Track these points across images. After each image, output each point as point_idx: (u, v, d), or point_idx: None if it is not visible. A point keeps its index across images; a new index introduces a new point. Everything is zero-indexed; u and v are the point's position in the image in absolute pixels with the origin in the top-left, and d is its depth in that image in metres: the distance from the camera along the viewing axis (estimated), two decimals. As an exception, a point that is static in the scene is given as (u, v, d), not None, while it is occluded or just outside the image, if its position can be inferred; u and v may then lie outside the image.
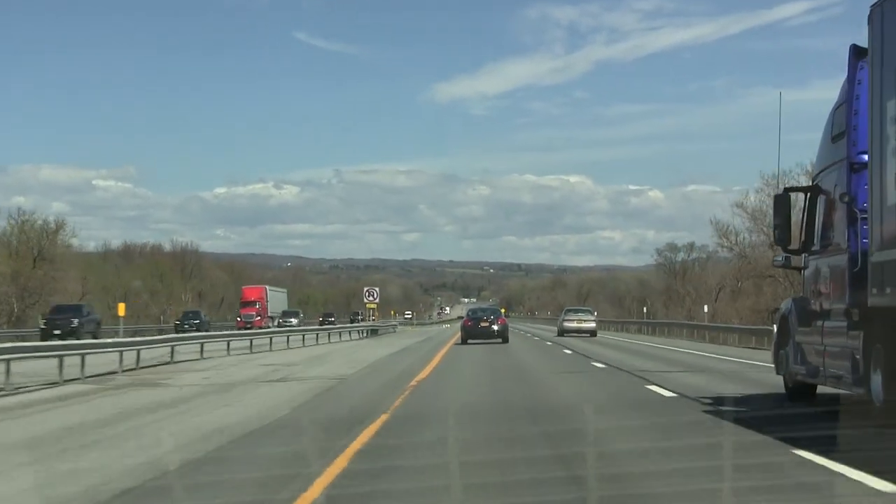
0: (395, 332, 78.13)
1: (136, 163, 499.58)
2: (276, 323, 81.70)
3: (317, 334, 50.97)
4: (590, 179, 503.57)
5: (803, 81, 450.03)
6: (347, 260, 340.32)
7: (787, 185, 24.21)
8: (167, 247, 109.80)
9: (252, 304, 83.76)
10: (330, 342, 50.39)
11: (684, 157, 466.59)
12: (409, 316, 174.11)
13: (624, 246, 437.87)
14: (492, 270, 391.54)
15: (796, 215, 16.42)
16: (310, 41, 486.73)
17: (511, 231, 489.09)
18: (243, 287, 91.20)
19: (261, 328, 68.39)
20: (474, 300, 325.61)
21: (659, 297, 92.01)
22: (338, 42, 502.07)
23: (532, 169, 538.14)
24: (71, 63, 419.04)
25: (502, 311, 66.83)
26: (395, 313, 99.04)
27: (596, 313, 63.82)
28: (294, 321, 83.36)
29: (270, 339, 42.34)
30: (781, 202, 15.40)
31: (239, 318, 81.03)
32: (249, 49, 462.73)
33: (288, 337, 46.08)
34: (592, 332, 54.74)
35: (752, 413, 14.13)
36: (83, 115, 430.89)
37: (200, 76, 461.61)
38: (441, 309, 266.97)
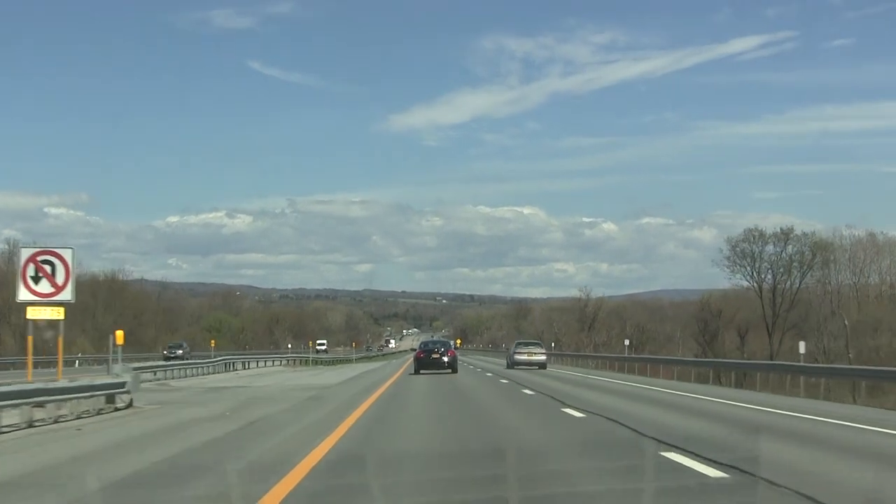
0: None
1: (89, 190, 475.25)
2: None
3: None
4: (543, 211, 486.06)
5: (755, 115, 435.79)
6: (299, 290, 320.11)
7: None
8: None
9: None
10: None
11: (637, 190, 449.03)
12: (323, 347, 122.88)
13: (577, 278, 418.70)
14: (444, 301, 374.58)
15: None
16: (263, 70, 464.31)
17: (464, 262, 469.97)
18: None
19: None
20: (415, 330, 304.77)
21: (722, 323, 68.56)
22: (291, 72, 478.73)
23: (486, 200, 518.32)
24: (24, 87, 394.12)
25: (457, 342, 64.65)
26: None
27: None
28: None
29: None
30: None
31: None
32: (202, 77, 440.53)
33: None
34: (542, 365, 55.72)
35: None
36: (35, 140, 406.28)
37: (153, 103, 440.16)
38: (386, 342, 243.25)
